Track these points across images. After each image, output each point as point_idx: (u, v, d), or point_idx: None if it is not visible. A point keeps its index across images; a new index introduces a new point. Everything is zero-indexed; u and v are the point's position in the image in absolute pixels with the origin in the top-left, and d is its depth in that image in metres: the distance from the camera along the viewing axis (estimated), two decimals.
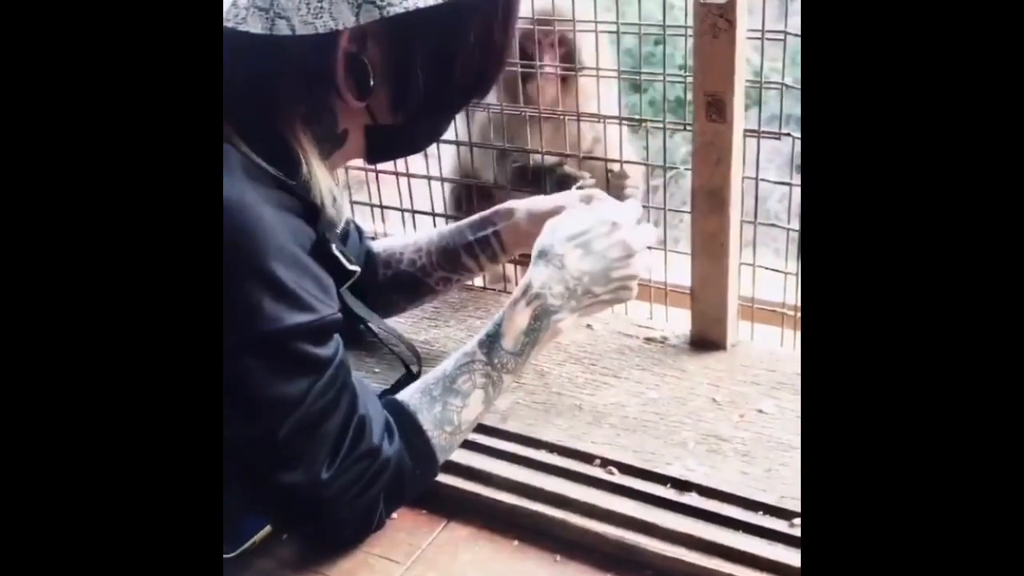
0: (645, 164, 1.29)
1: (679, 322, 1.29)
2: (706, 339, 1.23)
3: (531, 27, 1.31)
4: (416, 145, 1.06)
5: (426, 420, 0.98)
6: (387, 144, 0.99)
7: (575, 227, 1.04)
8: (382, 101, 0.92)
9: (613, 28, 1.18)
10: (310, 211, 0.91)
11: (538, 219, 1.13)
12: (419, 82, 0.90)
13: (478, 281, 1.47)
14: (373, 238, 1.31)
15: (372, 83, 0.89)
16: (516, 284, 1.28)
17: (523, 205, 1.18)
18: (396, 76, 0.90)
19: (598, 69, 1.24)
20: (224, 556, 0.94)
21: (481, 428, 1.08)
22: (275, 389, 0.85)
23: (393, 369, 1.18)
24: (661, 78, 1.20)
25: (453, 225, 1.23)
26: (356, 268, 1.02)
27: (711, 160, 1.13)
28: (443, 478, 1.02)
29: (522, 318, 1.01)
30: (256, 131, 0.87)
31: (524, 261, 1.28)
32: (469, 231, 1.20)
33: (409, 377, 1.10)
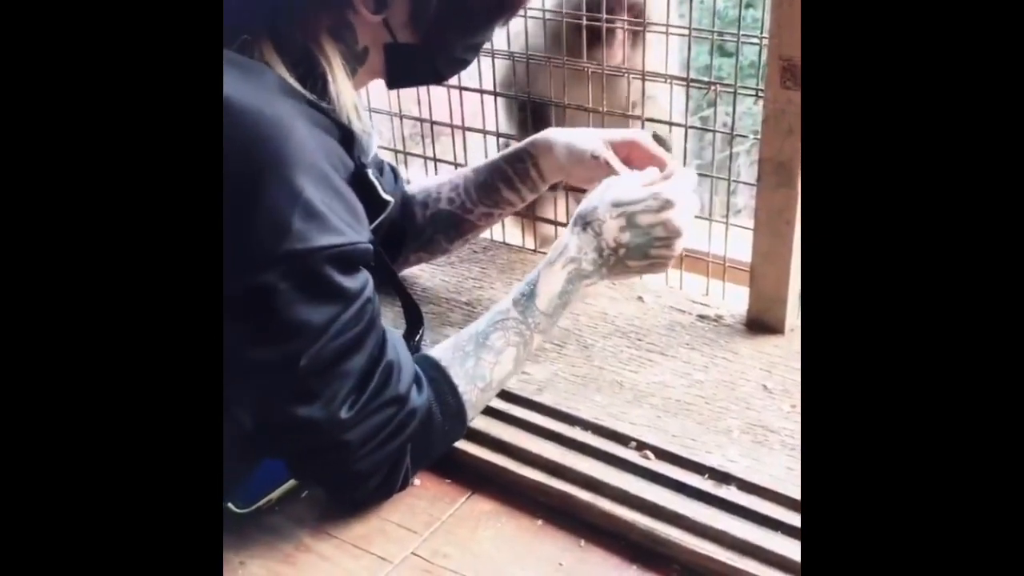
0: (711, 130, 1.20)
1: (736, 300, 1.22)
2: (763, 321, 1.15)
3: None
4: (438, 72, 1.02)
5: (458, 375, 0.95)
6: (408, 66, 0.97)
7: (624, 195, 1.00)
8: (400, 15, 0.91)
9: None
10: (346, 136, 0.90)
11: (577, 155, 1.11)
12: None
13: (529, 243, 1.41)
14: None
15: None
16: None
17: (562, 138, 1.14)
18: None
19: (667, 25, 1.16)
20: (237, 511, 0.91)
21: (514, 399, 1.03)
22: (297, 313, 0.82)
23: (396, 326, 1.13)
24: (735, 39, 1.11)
25: (489, 160, 1.20)
26: (390, 198, 1.00)
27: (782, 129, 1.04)
28: (470, 448, 0.98)
29: (557, 280, 0.99)
30: (286, 41, 0.87)
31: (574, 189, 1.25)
32: (506, 164, 1.17)
33: (408, 338, 1.06)
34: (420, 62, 0.97)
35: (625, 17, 1.25)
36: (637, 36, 1.32)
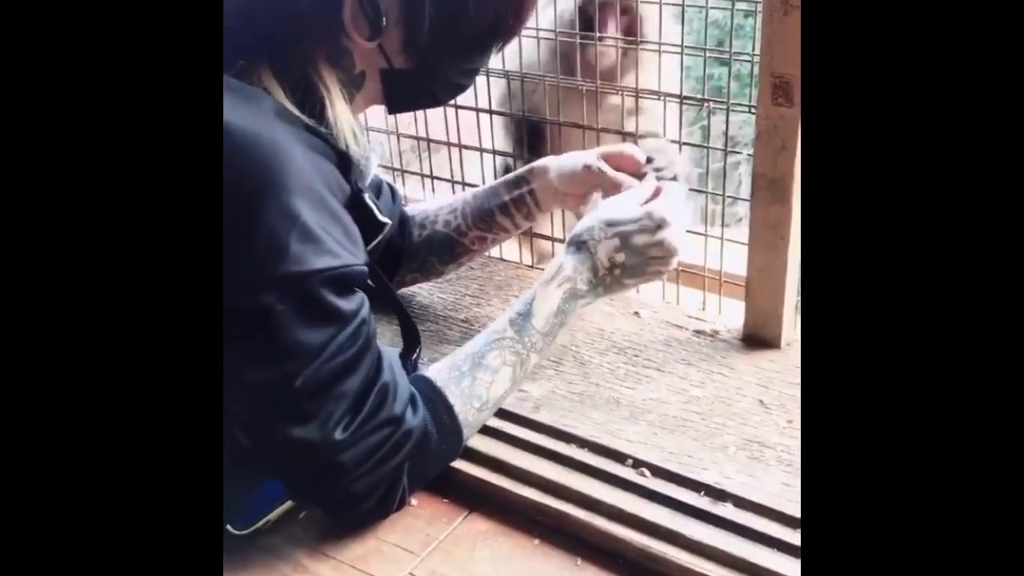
0: (706, 147, 1.21)
1: (733, 315, 1.22)
2: (759, 336, 1.16)
3: None
4: (436, 96, 1.03)
5: (454, 394, 0.95)
6: (405, 91, 0.98)
7: (618, 215, 1.01)
8: (394, 42, 0.92)
9: (678, 0, 1.11)
10: (343, 160, 0.91)
11: (569, 177, 1.12)
12: (426, 20, 0.90)
13: (526, 259, 1.42)
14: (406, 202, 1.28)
15: (385, 22, 0.89)
16: None
17: (556, 163, 1.15)
18: (406, 14, 0.90)
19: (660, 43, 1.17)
20: (236, 533, 0.92)
21: (511, 417, 1.03)
22: (293, 335, 0.82)
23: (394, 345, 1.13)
24: (728, 55, 1.12)
25: (487, 185, 1.21)
26: (387, 220, 1.01)
27: (775, 146, 1.05)
28: (467, 467, 0.99)
29: (553, 300, 0.99)
30: (284, 66, 0.88)
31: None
32: (504, 190, 1.18)
33: (405, 357, 1.06)
34: (416, 87, 0.97)
35: (617, 35, 1.26)
36: (631, 53, 1.33)
